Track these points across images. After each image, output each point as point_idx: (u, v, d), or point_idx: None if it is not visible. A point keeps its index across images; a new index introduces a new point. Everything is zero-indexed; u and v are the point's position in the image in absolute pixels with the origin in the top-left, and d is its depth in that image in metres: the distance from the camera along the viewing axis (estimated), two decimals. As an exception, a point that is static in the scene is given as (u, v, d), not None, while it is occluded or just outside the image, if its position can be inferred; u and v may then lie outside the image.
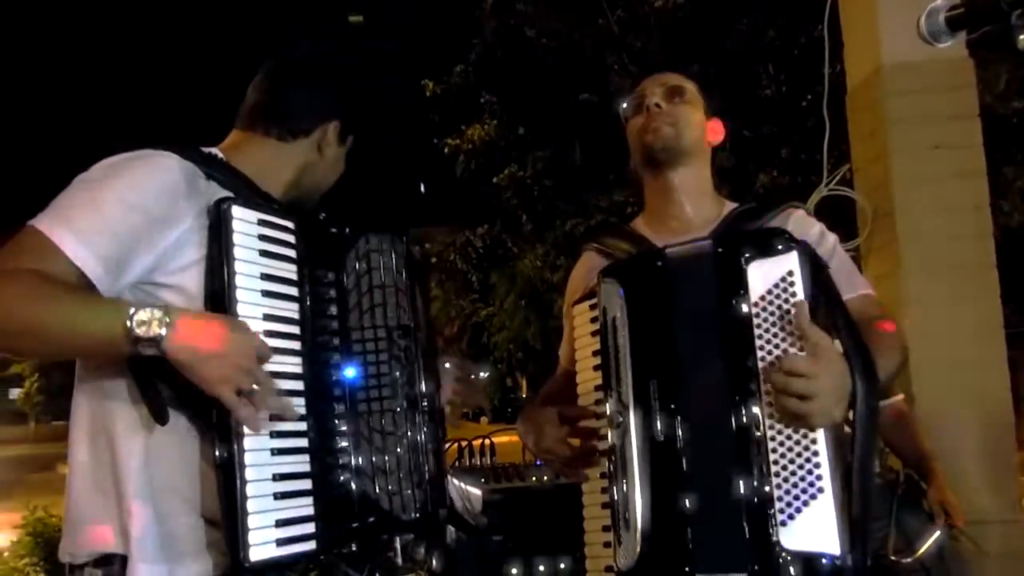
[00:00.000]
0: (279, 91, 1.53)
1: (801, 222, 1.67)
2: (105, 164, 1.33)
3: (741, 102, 7.17)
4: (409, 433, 1.48)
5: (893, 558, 2.39)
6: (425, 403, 1.53)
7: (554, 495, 2.56)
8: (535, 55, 8.47)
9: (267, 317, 1.31)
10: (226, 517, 1.22)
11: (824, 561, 1.29)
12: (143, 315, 1.18)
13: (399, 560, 1.47)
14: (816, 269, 1.39)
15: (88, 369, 1.36)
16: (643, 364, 1.49)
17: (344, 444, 1.40)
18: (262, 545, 1.22)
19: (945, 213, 3.02)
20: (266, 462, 1.27)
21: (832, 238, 1.69)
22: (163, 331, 1.18)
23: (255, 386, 1.23)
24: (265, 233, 1.34)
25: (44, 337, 1.22)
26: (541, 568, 2.48)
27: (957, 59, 3.06)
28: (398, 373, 1.49)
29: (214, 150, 1.49)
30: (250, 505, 1.22)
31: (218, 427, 1.25)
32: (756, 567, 1.33)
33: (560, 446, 1.63)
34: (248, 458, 1.24)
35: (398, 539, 1.47)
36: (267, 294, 1.33)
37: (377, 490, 1.43)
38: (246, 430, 1.24)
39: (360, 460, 1.42)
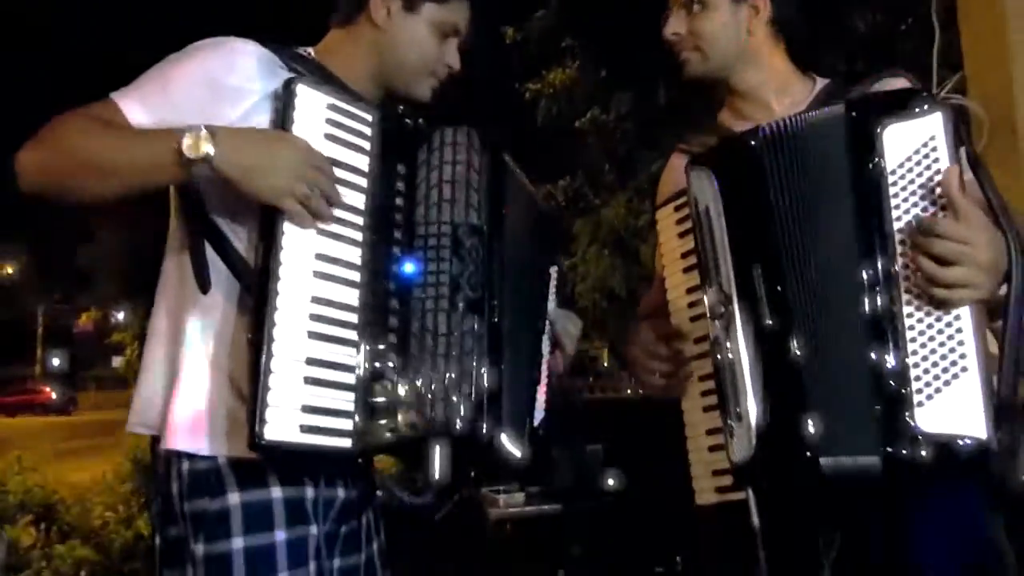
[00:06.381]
0: None
1: None
2: (188, 47, 1.38)
3: None
4: (465, 338, 1.37)
5: None
6: (495, 311, 1.42)
7: (652, 404, 2.52)
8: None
9: None
10: (249, 390, 1.21)
11: (966, 442, 1.17)
12: (189, 136, 1.21)
13: (436, 475, 1.31)
14: (959, 132, 1.29)
15: (171, 250, 1.40)
16: (744, 249, 1.40)
17: (393, 341, 1.33)
18: (280, 425, 1.18)
19: (1074, 119, 2.77)
20: (300, 342, 1.23)
21: None
22: (211, 149, 1.20)
23: (310, 191, 1.23)
24: (333, 118, 1.32)
25: (98, 166, 1.25)
26: (638, 477, 2.44)
27: (1091, -56, 2.77)
28: (460, 273, 1.39)
29: (308, 50, 1.51)
30: (271, 380, 1.18)
31: (256, 297, 1.24)
32: (888, 450, 1.23)
33: (654, 363, 1.57)
34: (278, 332, 1.21)
35: (438, 449, 1.32)
36: None
37: (422, 393, 1.33)
38: (280, 308, 1.21)
39: (407, 360, 1.34)
